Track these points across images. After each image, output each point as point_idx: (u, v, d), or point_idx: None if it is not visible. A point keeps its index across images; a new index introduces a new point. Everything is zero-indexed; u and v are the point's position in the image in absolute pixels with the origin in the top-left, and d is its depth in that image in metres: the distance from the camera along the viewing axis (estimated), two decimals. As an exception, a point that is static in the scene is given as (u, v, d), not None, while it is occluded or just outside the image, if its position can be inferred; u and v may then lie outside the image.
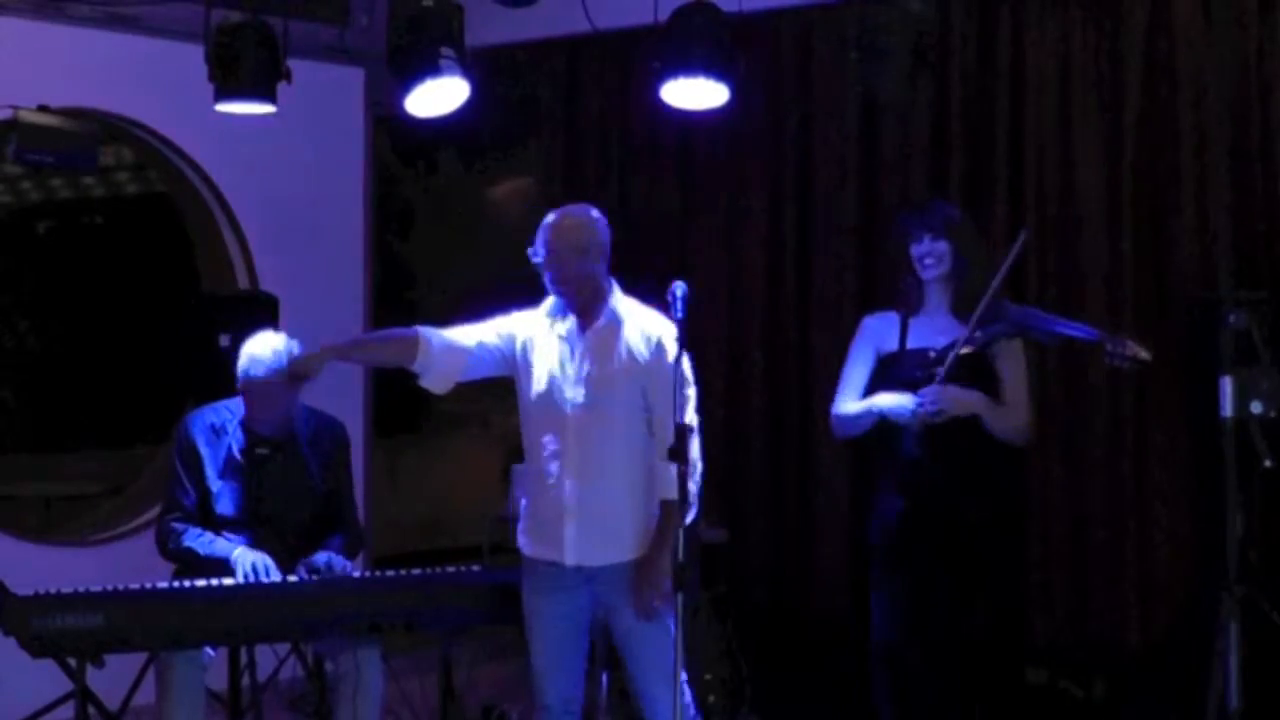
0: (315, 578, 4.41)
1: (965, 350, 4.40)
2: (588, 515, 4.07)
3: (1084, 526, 5.39)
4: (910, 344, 4.59)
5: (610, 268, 4.18)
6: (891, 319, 4.66)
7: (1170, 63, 5.24)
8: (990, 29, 5.60)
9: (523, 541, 4.26)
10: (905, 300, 4.63)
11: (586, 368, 4.09)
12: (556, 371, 4.12)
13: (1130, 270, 5.30)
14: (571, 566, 4.10)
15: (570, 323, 4.14)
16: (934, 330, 4.57)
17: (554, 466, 4.11)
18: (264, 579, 4.33)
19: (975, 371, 4.48)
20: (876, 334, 4.64)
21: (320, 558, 4.50)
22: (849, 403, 4.60)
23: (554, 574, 4.14)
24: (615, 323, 4.15)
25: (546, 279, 4.13)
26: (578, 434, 4.08)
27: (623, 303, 4.19)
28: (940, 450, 4.44)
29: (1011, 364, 4.54)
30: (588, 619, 4.21)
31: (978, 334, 4.43)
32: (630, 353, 4.12)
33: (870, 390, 4.55)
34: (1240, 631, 4.30)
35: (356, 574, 4.61)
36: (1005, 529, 4.62)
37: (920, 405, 4.39)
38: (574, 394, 4.08)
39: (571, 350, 4.11)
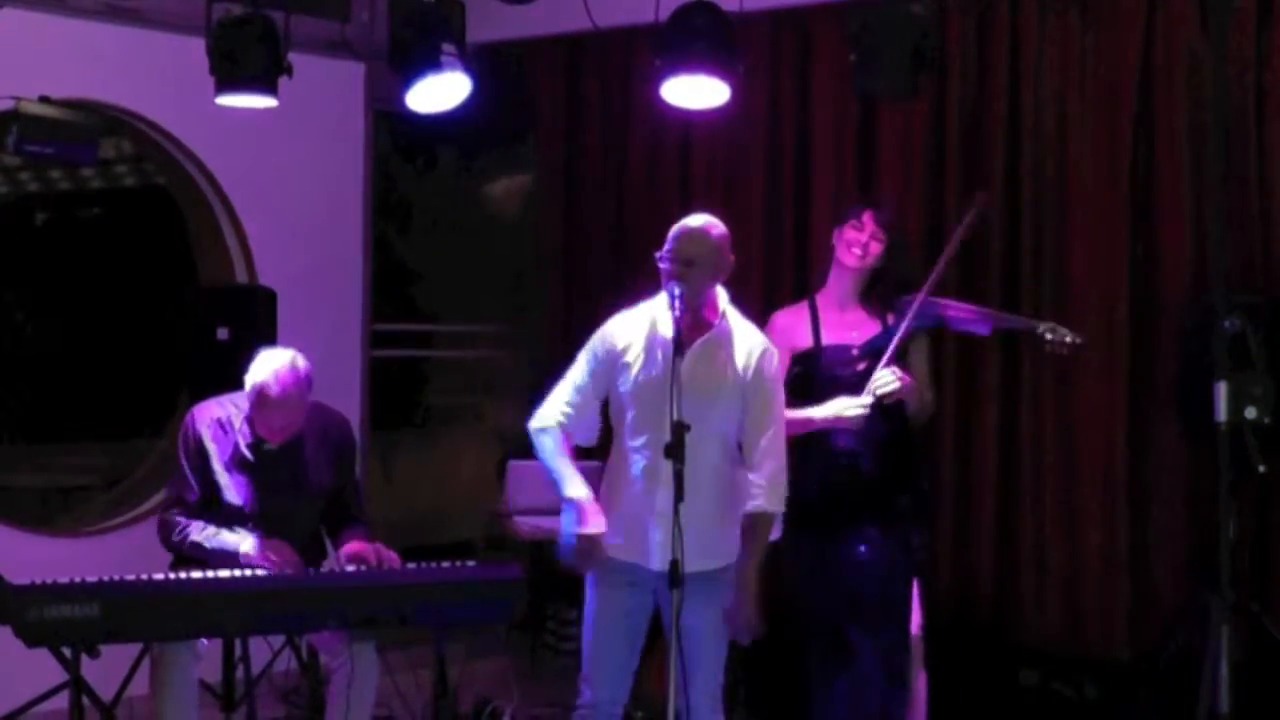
0: (364, 569, 4.42)
1: (898, 339, 4.54)
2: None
3: (1078, 529, 5.40)
4: (827, 340, 4.65)
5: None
6: (801, 313, 4.72)
7: (1167, 67, 5.25)
8: (990, 30, 5.62)
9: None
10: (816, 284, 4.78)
11: (690, 379, 3.95)
12: (658, 380, 4.05)
13: (1125, 273, 5.30)
14: (654, 570, 4.07)
15: (675, 330, 4.01)
16: (846, 325, 4.68)
17: (646, 473, 4.09)
18: (285, 571, 4.35)
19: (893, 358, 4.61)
20: (787, 332, 4.70)
21: (368, 550, 4.49)
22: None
23: (630, 570, 4.14)
24: (724, 335, 4.16)
25: (667, 281, 4.13)
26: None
27: (732, 316, 4.21)
28: (870, 442, 4.56)
29: (919, 352, 4.74)
30: (650, 616, 4.23)
31: (905, 325, 4.54)
32: (734, 366, 4.14)
33: (791, 387, 4.53)
34: (1231, 636, 4.31)
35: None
36: (924, 509, 4.84)
37: (873, 400, 4.51)
38: (675, 404, 3.87)
39: (675, 361, 3.94)
